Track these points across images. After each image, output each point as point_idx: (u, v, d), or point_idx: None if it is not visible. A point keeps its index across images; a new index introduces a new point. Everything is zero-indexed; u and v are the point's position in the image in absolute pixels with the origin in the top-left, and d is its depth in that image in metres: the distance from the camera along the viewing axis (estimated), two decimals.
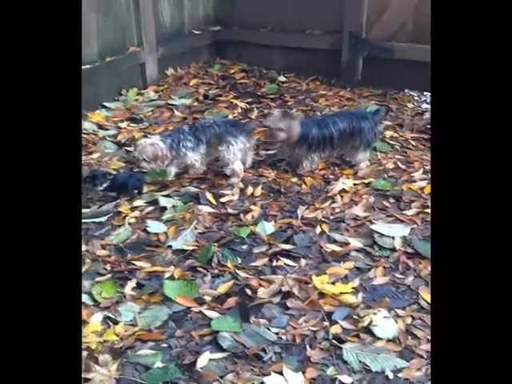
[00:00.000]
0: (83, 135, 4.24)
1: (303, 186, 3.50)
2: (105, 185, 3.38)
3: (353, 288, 2.54)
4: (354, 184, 3.47)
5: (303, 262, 2.75)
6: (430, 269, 2.63)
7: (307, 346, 2.22)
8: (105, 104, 4.81)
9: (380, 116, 3.85)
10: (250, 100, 5.01)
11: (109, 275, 2.67)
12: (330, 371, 2.11)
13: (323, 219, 3.12)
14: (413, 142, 4.10)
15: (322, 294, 2.50)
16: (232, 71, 5.74)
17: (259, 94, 5.17)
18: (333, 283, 2.56)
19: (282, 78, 5.52)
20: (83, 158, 3.90)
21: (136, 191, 3.40)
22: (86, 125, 4.36)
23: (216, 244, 2.89)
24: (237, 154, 3.53)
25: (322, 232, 3.00)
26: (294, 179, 3.58)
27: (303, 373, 2.09)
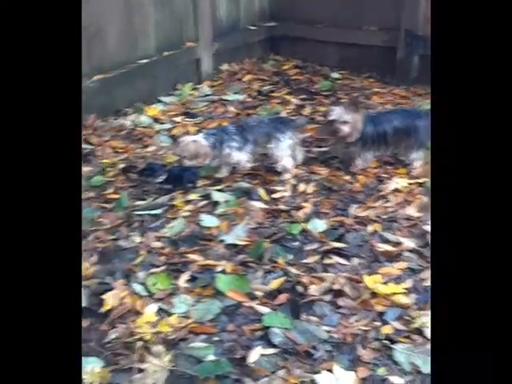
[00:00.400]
0: (139, 128, 4.33)
1: (356, 184, 3.48)
2: (160, 178, 3.45)
3: (405, 289, 2.52)
4: (408, 183, 3.43)
5: (355, 260, 2.74)
6: None
7: (358, 346, 2.22)
8: (161, 98, 4.89)
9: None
10: (303, 96, 5.00)
11: (163, 267, 2.72)
12: (381, 371, 2.10)
13: (376, 218, 3.10)
14: None
15: (373, 294, 2.49)
16: (286, 67, 5.75)
17: (312, 90, 5.16)
18: (385, 283, 2.54)
19: (335, 75, 5.50)
20: (139, 151, 3.99)
21: (190, 185, 3.45)
22: (143, 118, 4.46)
23: (267, 240, 2.91)
24: (286, 150, 3.54)
25: (375, 231, 2.98)
26: (347, 177, 3.57)
27: (354, 372, 2.09)
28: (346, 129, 3.41)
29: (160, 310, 2.43)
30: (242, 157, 3.51)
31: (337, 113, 3.44)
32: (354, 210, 3.18)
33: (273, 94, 5.08)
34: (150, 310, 2.42)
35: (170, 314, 2.41)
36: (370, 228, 3.00)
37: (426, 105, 4.59)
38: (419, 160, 3.61)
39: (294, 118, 4.19)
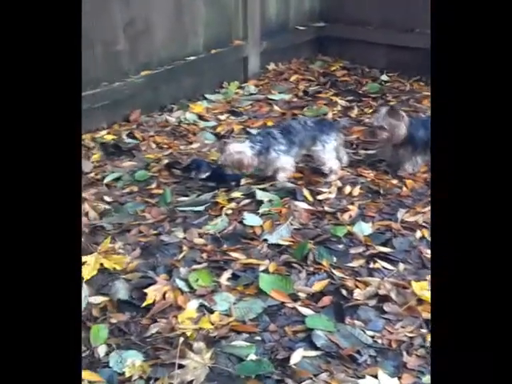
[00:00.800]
0: (184, 125, 4.33)
1: (404, 189, 3.39)
2: (204, 175, 3.44)
3: None
4: None
5: (402, 266, 2.67)
6: None
7: (403, 352, 2.15)
8: (206, 96, 4.89)
9: None
10: (350, 98, 4.93)
11: (205, 264, 2.70)
12: (426, 379, 2.03)
13: (424, 224, 3.01)
14: None
15: (420, 301, 2.41)
16: (333, 68, 5.68)
17: (360, 92, 5.08)
18: None
19: (384, 77, 5.39)
20: (183, 147, 3.99)
21: (234, 183, 3.42)
22: (188, 115, 4.46)
23: (312, 241, 2.86)
24: (331, 152, 3.50)
25: (423, 237, 2.90)
26: (394, 181, 3.49)
27: (399, 378, 2.02)
28: (384, 134, 3.39)
29: (201, 307, 2.41)
30: (288, 160, 3.46)
31: (376, 117, 3.45)
32: (401, 214, 3.10)
33: (319, 95, 5.02)
34: (192, 306, 2.39)
35: (211, 311, 2.38)
36: (418, 233, 2.92)
37: None
38: None
39: (337, 120, 4.13)
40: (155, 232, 2.96)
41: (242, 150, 3.29)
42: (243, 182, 3.46)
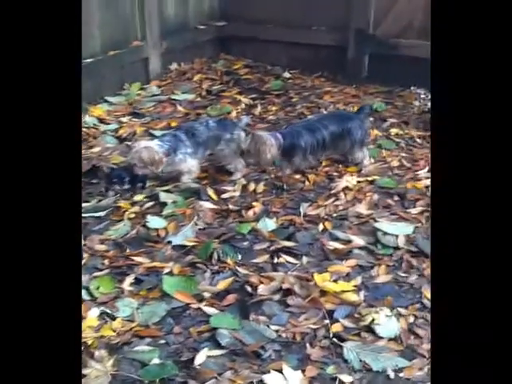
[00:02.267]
0: (84, 129, 4.20)
1: (306, 183, 3.45)
2: (107, 179, 3.36)
3: (355, 286, 2.49)
4: (358, 181, 3.42)
5: (305, 259, 2.71)
6: None
7: (307, 344, 2.18)
8: (107, 98, 4.77)
9: (365, 113, 3.77)
10: (253, 96, 4.96)
11: (107, 270, 2.63)
12: (330, 370, 2.06)
13: (326, 217, 3.07)
14: (418, 140, 4.05)
15: (323, 292, 2.45)
16: (236, 67, 5.69)
17: (263, 90, 5.13)
18: (335, 281, 2.51)
19: (286, 75, 5.47)
20: (83, 152, 3.86)
21: (140, 185, 3.36)
22: (87, 119, 4.32)
23: (217, 240, 2.85)
24: (236, 151, 3.51)
25: (325, 229, 2.95)
26: (297, 176, 3.53)
27: (303, 371, 2.04)
28: (250, 159, 3.48)
29: (103, 314, 2.34)
30: (194, 163, 3.43)
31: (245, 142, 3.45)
32: (304, 208, 3.15)
33: (223, 94, 5.03)
34: (93, 314, 2.32)
35: (113, 318, 2.32)
36: (321, 226, 2.97)
37: (376, 103, 4.62)
38: (365, 159, 3.61)
39: (239, 118, 4.14)
40: None
41: (151, 146, 3.23)
42: (147, 184, 3.40)
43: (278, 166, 3.54)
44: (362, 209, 3.13)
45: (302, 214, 3.10)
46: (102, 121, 4.36)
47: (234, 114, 4.51)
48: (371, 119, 4.28)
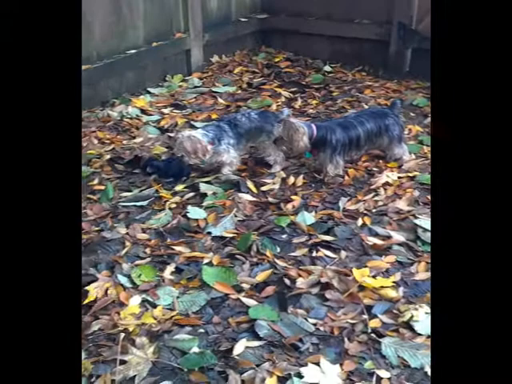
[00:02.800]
0: (126, 120, 4.27)
1: (346, 178, 3.43)
2: (151, 169, 3.42)
3: (394, 282, 2.48)
4: (399, 177, 3.39)
5: (343, 254, 2.71)
6: None
7: (345, 339, 2.18)
8: (149, 89, 4.84)
9: (398, 108, 3.66)
10: (294, 89, 4.96)
11: (148, 259, 2.68)
12: (368, 365, 2.06)
13: (365, 212, 3.06)
14: None
15: (361, 287, 2.44)
16: (277, 60, 5.70)
17: (304, 83, 5.12)
18: (373, 277, 2.50)
19: (327, 68, 5.45)
20: (126, 142, 3.94)
21: (184, 177, 3.40)
22: (130, 109, 4.39)
23: (255, 232, 2.87)
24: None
25: (364, 224, 2.94)
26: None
27: (340, 365, 2.05)
28: (283, 146, 3.43)
29: (144, 302, 2.39)
30: (236, 154, 3.46)
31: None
32: (343, 203, 3.14)
33: (263, 87, 5.04)
34: (134, 302, 2.37)
35: (154, 306, 2.36)
36: (360, 221, 2.96)
37: (417, 98, 4.57)
38: (405, 154, 3.58)
39: (280, 110, 4.14)
40: (97, 228, 2.91)
41: (195, 136, 3.25)
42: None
43: (307, 157, 3.53)
44: (402, 205, 3.10)
45: (341, 208, 3.09)
46: (144, 112, 4.43)
47: (274, 107, 4.52)
48: (412, 115, 4.25)
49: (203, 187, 3.29)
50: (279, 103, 4.63)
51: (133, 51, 4.62)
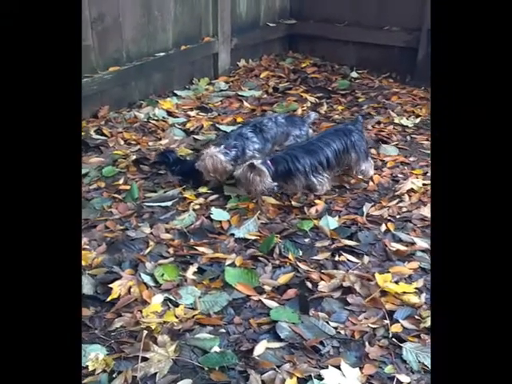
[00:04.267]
0: (153, 122, 4.31)
1: (370, 184, 3.42)
2: (174, 169, 3.45)
3: (416, 288, 2.47)
4: (423, 184, 3.37)
5: (366, 259, 2.70)
6: None
7: (366, 343, 2.18)
8: (176, 92, 4.88)
9: (361, 123, 3.54)
10: (320, 95, 4.96)
11: (171, 258, 2.70)
12: (388, 369, 2.06)
13: (389, 218, 3.05)
14: None
15: (384, 292, 2.44)
16: (303, 65, 5.70)
17: (330, 89, 5.12)
18: (396, 282, 2.49)
19: (354, 74, 5.43)
20: (152, 143, 3.98)
21: (190, 180, 3.42)
22: (157, 111, 4.43)
23: (278, 235, 2.87)
24: None
25: (388, 230, 2.93)
26: (361, 176, 3.51)
27: (360, 369, 2.05)
28: (244, 187, 3.22)
29: (166, 301, 2.41)
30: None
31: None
32: (367, 208, 3.13)
33: (289, 92, 5.04)
34: (157, 300, 2.39)
35: (176, 305, 2.38)
36: (383, 227, 2.95)
37: None
38: (372, 168, 3.50)
39: (306, 114, 4.14)
40: (122, 227, 2.95)
41: (216, 155, 3.23)
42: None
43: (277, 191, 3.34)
44: (426, 212, 3.08)
45: (364, 213, 3.09)
46: (170, 114, 4.46)
47: (299, 111, 4.52)
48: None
49: (227, 189, 3.30)
50: (305, 108, 4.63)
51: (162, 54, 4.66)
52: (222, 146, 3.35)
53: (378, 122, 4.32)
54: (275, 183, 3.16)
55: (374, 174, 3.50)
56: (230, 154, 3.31)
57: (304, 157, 3.19)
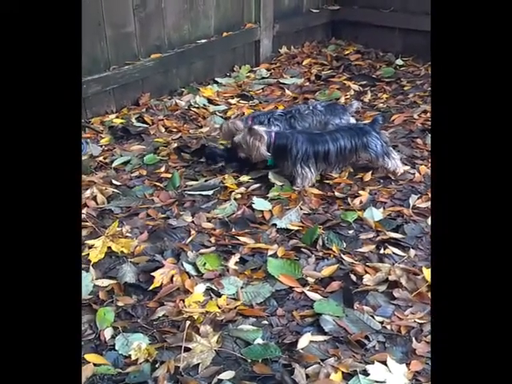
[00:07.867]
0: (194, 109, 4.29)
1: (416, 175, 3.33)
2: (218, 159, 3.42)
3: None
4: None
5: (412, 252, 2.62)
6: None
7: (413, 338, 2.12)
8: (217, 79, 4.85)
9: (379, 124, 3.39)
10: (363, 82, 4.85)
11: (213, 248, 2.67)
12: None
13: None
14: None
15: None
16: (347, 52, 5.59)
17: (374, 76, 5.01)
18: None
19: (399, 62, 5.29)
20: (193, 131, 3.96)
21: (245, 167, 3.39)
22: (198, 99, 4.41)
23: (321, 226, 2.82)
24: None
25: None
26: (407, 167, 3.42)
27: (407, 365, 1.99)
28: (242, 153, 3.27)
29: (209, 290, 2.38)
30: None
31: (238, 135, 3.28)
32: (413, 200, 3.05)
33: (332, 79, 4.95)
34: (199, 290, 2.37)
35: (219, 295, 2.36)
36: (430, 220, 2.87)
37: None
38: (398, 167, 3.35)
39: (350, 103, 4.05)
40: (163, 216, 2.94)
41: (232, 120, 3.23)
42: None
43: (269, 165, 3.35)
44: None
45: (410, 205, 3.00)
46: (211, 101, 4.44)
47: (342, 100, 4.45)
48: None
49: (272, 177, 3.25)
50: (348, 96, 4.55)
51: (203, 41, 4.63)
52: (244, 118, 3.35)
53: (424, 111, 4.19)
54: (269, 154, 3.19)
55: (421, 164, 3.41)
56: (247, 121, 3.27)
57: (304, 142, 3.16)
